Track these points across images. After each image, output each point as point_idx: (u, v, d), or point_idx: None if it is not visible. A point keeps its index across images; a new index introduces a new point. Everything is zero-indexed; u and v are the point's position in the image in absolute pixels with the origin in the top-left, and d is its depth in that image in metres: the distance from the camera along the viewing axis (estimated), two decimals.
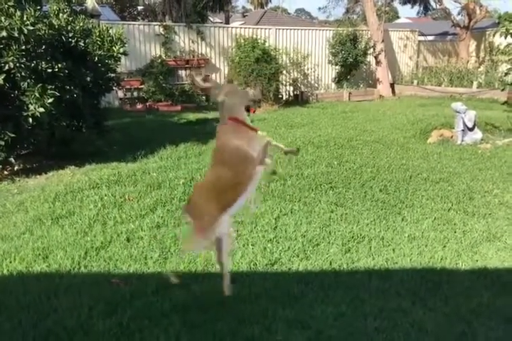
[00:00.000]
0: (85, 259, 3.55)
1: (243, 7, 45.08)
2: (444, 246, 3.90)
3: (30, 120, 5.38)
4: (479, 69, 15.20)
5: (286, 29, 14.54)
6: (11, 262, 3.49)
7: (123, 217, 4.41)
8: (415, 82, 15.68)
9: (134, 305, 2.84)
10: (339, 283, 3.23)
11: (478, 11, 16.47)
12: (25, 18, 5.18)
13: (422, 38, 17.77)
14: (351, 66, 14.25)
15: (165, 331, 2.56)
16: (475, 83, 14.20)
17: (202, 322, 2.66)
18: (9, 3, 5.23)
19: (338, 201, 4.93)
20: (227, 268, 2.73)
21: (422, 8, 21.40)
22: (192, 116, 10.52)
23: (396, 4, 31.35)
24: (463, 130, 7.75)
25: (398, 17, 43.75)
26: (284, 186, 5.36)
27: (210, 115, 10.29)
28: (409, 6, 21.72)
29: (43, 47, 5.48)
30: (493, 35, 15.86)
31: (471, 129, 7.76)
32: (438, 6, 19.22)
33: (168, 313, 2.75)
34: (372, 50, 14.64)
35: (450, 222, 4.42)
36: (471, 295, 3.07)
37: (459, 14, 20.26)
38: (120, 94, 11.74)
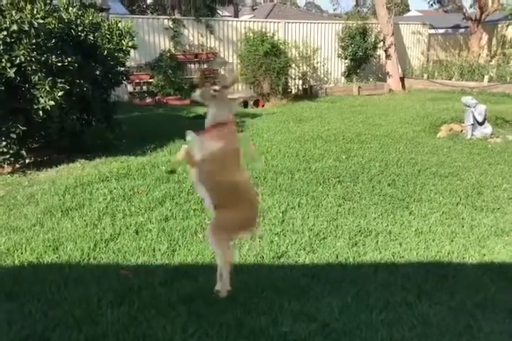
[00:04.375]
0: (95, 251, 3.60)
1: (252, 0, 44.73)
2: (452, 241, 3.89)
3: (41, 113, 5.44)
4: (491, 63, 15.03)
5: (296, 22, 14.48)
6: (22, 253, 3.55)
7: (132, 209, 4.45)
8: (425, 75, 15.54)
9: (142, 296, 2.89)
10: (345, 277, 3.24)
11: (490, 4, 16.26)
12: (35, 12, 5.23)
13: (432, 31, 17.59)
14: (361, 60, 14.17)
15: (172, 321, 2.60)
16: (486, 77, 14.04)
17: (208, 313, 2.70)
18: None
19: (345, 195, 4.94)
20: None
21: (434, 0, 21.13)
22: (201, 110, 10.49)
23: None
24: (473, 124, 7.69)
25: (409, 10, 43.29)
26: (292, 180, 5.37)
27: None
28: None
29: (53, 40, 5.52)
30: (506, 28, 15.68)
31: (481, 123, 7.70)
32: None
33: (175, 304, 2.78)
34: (382, 43, 14.53)
35: (458, 217, 4.41)
36: (477, 289, 3.07)
37: (471, 7, 20.02)
38: (129, 88, 11.79)
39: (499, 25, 16.69)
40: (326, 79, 14.88)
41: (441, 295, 2.99)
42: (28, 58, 5.21)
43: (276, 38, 12.59)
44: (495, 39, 16.74)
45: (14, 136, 5.55)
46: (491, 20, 16.71)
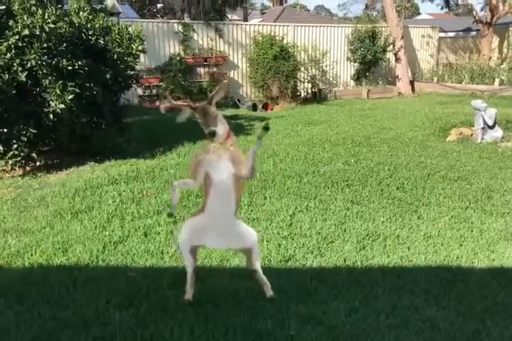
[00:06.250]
0: (103, 253, 3.63)
1: (262, 4, 44.93)
2: (461, 245, 3.86)
3: (52, 116, 5.51)
4: (502, 66, 14.91)
5: (305, 26, 14.50)
6: (32, 255, 3.58)
7: (141, 212, 4.48)
8: (435, 79, 15.46)
9: (150, 298, 2.90)
10: (353, 280, 3.23)
11: (501, 7, 16.16)
12: (46, 17, 5.31)
13: (442, 35, 17.50)
14: (370, 63, 14.14)
15: (179, 324, 2.61)
16: (497, 80, 13.94)
17: (216, 315, 2.71)
18: (31, 2, 5.36)
19: (354, 199, 4.92)
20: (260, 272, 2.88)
21: (444, 3, 21.09)
22: None
23: (417, 0, 31.00)
24: (483, 128, 7.63)
25: (419, 13, 43.22)
26: (300, 183, 5.37)
27: (227, 112, 10.33)
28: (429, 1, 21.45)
29: (64, 44, 5.59)
30: None
31: (491, 127, 7.64)
32: (460, 1, 18.93)
33: (182, 307, 2.79)
34: (391, 46, 14.50)
35: (467, 221, 4.37)
36: (486, 294, 3.04)
37: (481, 10, 19.94)
38: (139, 91, 11.87)
39: (510, 28, 16.56)
40: (335, 82, 14.87)
41: (450, 300, 2.97)
42: (39, 62, 5.28)
43: (285, 41, 12.62)
44: (506, 42, 16.62)
45: (25, 138, 5.62)
46: (502, 23, 16.59)
